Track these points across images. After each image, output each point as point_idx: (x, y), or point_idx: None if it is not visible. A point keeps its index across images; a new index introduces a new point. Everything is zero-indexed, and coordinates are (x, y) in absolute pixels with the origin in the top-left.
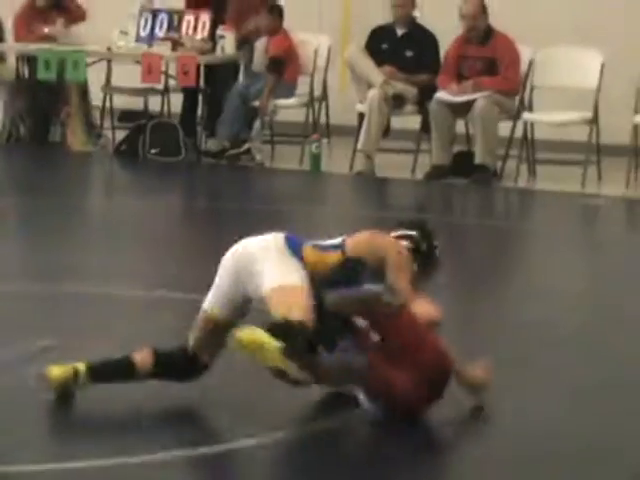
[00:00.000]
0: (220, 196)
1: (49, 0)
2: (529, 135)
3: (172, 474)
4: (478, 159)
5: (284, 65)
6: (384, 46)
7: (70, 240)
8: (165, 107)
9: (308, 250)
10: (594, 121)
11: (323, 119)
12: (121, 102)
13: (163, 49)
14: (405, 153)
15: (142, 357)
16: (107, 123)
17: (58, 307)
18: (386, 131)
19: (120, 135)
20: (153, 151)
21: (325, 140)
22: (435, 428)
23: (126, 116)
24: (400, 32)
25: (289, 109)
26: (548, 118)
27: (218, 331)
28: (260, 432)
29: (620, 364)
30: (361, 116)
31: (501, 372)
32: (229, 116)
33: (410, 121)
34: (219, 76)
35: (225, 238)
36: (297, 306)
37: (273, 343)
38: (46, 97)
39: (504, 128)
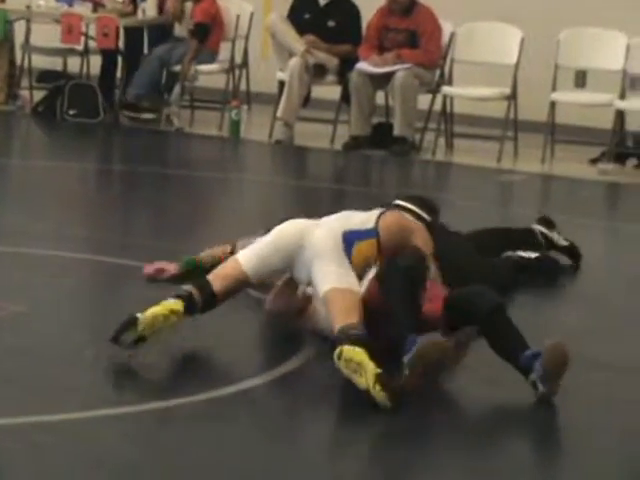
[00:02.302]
0: (137, 159)
1: None
2: (448, 109)
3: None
4: (397, 131)
5: (209, 32)
6: (306, 15)
7: None
8: (84, 68)
9: (363, 246)
10: (512, 97)
11: (244, 86)
12: (40, 62)
13: (83, 9)
14: (324, 123)
15: (195, 293)
16: (25, 83)
17: None
18: (306, 100)
19: (38, 95)
20: (71, 112)
21: (245, 107)
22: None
23: (45, 76)
24: (323, 2)
25: (210, 75)
26: (467, 92)
27: (241, 285)
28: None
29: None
30: (281, 84)
31: None
32: (143, 78)
33: (330, 91)
34: (139, 39)
35: (140, 202)
36: (354, 309)
37: (371, 365)
38: None
39: (423, 101)
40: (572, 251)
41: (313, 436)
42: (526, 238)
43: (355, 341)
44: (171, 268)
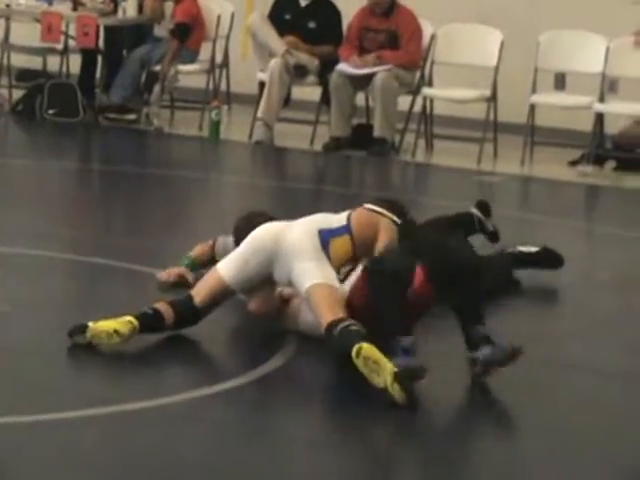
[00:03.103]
0: (117, 159)
1: None
2: (428, 110)
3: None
4: (377, 132)
5: (189, 32)
6: (287, 16)
7: None
8: (64, 68)
9: (338, 243)
10: (492, 99)
11: (224, 86)
12: (19, 61)
13: (64, 8)
14: (305, 124)
15: (165, 310)
16: (4, 81)
17: None
18: (286, 101)
19: (17, 94)
20: (51, 111)
21: (225, 107)
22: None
23: (24, 75)
24: (304, 3)
25: (190, 75)
26: (447, 94)
27: (225, 295)
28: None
29: None
30: (262, 85)
31: None
32: (126, 80)
33: (311, 92)
34: (119, 39)
35: (119, 201)
36: (339, 304)
37: (388, 364)
38: None
39: (403, 102)
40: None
41: (294, 435)
42: (464, 221)
43: (365, 336)
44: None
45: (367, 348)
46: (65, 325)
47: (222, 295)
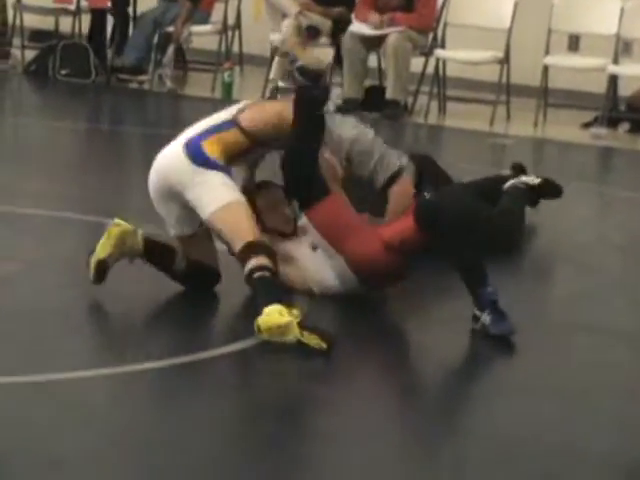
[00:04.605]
0: (129, 120)
1: None
2: (441, 72)
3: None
4: (389, 94)
5: None
6: None
7: None
8: (76, 28)
9: (209, 146)
10: (505, 61)
11: (236, 48)
12: (32, 21)
13: None
14: None
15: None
16: (17, 42)
17: None
18: None
19: (30, 55)
20: (63, 72)
21: (237, 69)
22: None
23: (37, 36)
24: None
25: (203, 36)
26: (460, 56)
27: (196, 242)
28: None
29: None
30: (274, 47)
31: None
32: (139, 40)
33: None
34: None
35: (130, 162)
36: (246, 223)
37: (292, 320)
38: None
39: (416, 64)
40: (547, 187)
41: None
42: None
43: (268, 296)
44: None
45: (263, 322)
46: (77, 284)
47: (191, 243)
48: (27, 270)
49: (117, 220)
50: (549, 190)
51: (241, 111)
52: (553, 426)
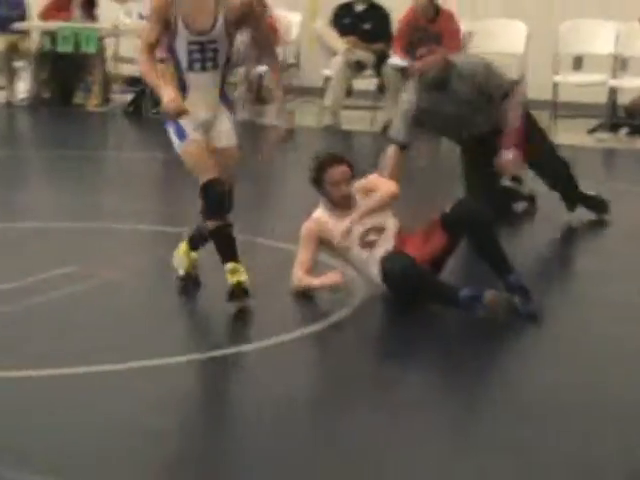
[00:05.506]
0: None
1: None
2: None
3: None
4: None
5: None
6: (346, 20)
7: (87, 185)
8: None
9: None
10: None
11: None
12: (127, 70)
13: None
14: (365, 109)
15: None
16: (116, 88)
17: (74, 241)
18: (349, 91)
19: (127, 98)
20: (154, 111)
21: (298, 99)
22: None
23: (131, 82)
24: (359, 9)
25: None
26: None
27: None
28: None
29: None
30: (327, 79)
31: None
32: None
33: (368, 83)
34: None
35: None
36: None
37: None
38: (67, 66)
39: None
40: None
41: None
42: None
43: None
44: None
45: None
46: (168, 287)
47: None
48: (130, 276)
49: None
50: (596, 204)
51: None
52: (568, 388)
